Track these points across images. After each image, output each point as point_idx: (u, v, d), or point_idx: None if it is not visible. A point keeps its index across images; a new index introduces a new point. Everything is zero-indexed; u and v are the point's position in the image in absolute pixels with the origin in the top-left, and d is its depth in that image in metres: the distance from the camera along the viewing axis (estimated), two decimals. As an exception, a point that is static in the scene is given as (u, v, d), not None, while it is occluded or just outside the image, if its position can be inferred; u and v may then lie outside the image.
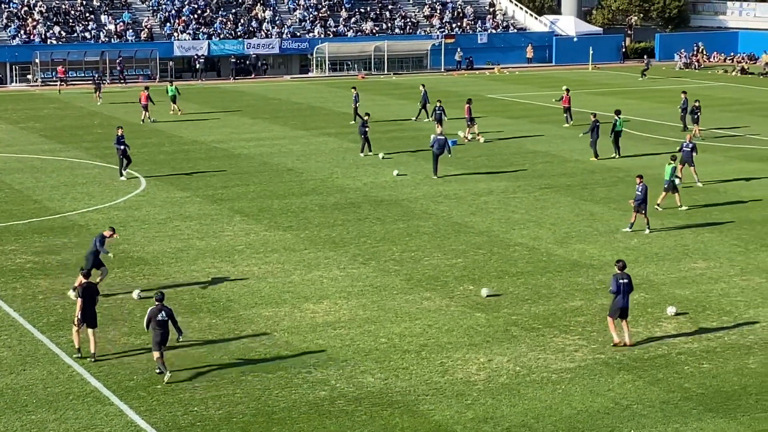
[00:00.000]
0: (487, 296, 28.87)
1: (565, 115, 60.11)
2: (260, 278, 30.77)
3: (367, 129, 50.21)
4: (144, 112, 61.83)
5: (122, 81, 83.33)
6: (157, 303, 23.53)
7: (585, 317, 27.27)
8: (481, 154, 50.48)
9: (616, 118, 50.01)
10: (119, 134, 44.93)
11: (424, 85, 64.04)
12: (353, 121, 59.92)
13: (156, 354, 23.25)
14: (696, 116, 54.85)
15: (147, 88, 64.79)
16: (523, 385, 22.93)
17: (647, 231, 35.85)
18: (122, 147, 44.68)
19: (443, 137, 45.33)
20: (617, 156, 49.86)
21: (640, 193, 35.54)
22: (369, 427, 20.83)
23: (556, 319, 27.16)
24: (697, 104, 55.14)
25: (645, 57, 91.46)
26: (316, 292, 29.44)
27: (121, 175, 45.10)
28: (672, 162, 39.11)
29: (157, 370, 23.30)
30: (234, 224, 37.22)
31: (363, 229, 36.46)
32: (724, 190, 42.83)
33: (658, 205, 38.95)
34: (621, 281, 25.14)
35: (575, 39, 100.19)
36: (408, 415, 21.43)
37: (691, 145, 43.24)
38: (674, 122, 61.40)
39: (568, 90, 61.78)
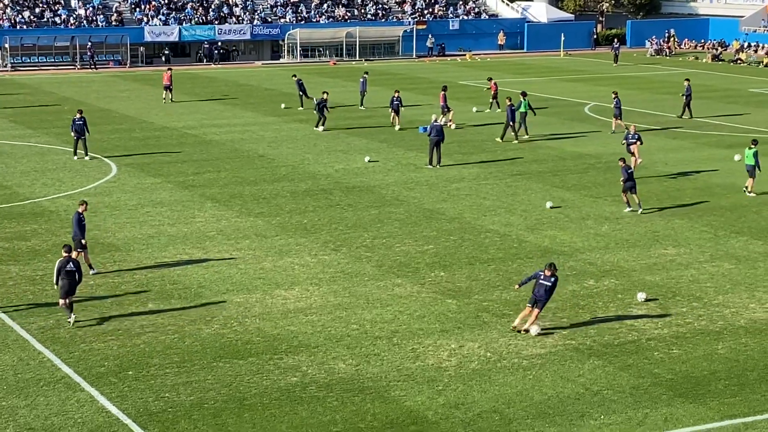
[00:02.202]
0: None
1: (492, 101, 60.12)
2: (231, 264, 30.72)
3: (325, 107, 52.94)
4: (166, 92, 63.65)
5: (93, 66, 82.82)
6: (65, 255, 25.52)
7: (555, 304, 27.35)
8: (453, 141, 50.51)
9: (521, 99, 51.24)
10: (77, 117, 45.73)
11: (367, 73, 64.28)
12: (301, 107, 60.85)
13: (62, 302, 25.37)
14: (618, 110, 52.96)
15: (170, 69, 66.41)
16: (494, 371, 23.01)
17: (637, 210, 36.77)
18: (80, 130, 45.46)
19: (439, 123, 45.10)
20: (527, 135, 51.24)
21: (624, 175, 36.50)
22: (340, 413, 20.87)
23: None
24: (615, 97, 53.46)
25: (615, 42, 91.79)
26: (287, 279, 29.42)
27: (75, 154, 46.03)
28: (753, 146, 39.60)
29: (70, 320, 25.43)
30: (205, 210, 37.12)
31: (334, 216, 36.46)
32: (695, 177, 43.07)
33: (749, 190, 39.96)
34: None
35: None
36: (379, 401, 21.47)
37: (636, 136, 43.16)
38: (643, 109, 61.72)
39: (491, 78, 62.17)
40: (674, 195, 39.89)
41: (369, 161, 45.75)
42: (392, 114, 54.58)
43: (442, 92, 55.22)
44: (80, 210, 29.69)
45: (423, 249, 32.46)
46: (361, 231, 34.47)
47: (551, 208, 37.19)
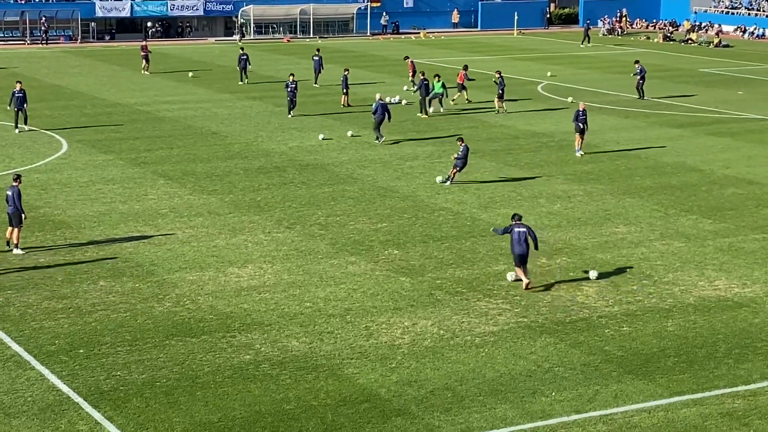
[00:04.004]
0: None
1: (411, 80, 60.27)
2: (184, 242, 30.58)
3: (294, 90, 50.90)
4: (144, 62, 65.78)
5: (44, 42, 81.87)
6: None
7: (508, 282, 27.52)
8: (406, 119, 50.56)
9: (435, 82, 52.11)
10: (17, 89, 45.94)
11: (318, 50, 64.09)
12: (241, 82, 61.80)
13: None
14: (501, 90, 52.75)
15: (146, 39, 70.46)
16: (447, 349, 23.12)
17: (448, 183, 37.70)
18: (20, 102, 45.79)
19: (383, 102, 45.24)
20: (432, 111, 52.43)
21: (460, 155, 37.50)
22: (293, 391, 20.88)
23: (480, 283, 27.39)
24: (499, 76, 53.10)
25: (587, 22, 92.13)
26: (240, 257, 29.34)
27: (17, 127, 46.17)
28: None
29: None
30: (158, 188, 36.89)
31: (288, 193, 36.38)
32: (646, 156, 43.42)
33: None
34: (517, 230, 26.86)
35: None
36: (332, 378, 21.51)
37: (585, 113, 43.20)
38: (594, 88, 62.06)
39: (407, 57, 62.59)
40: (625, 173, 40.19)
41: (323, 139, 45.67)
42: (343, 93, 54.31)
43: (462, 71, 55.29)
44: (17, 185, 29.47)
45: (377, 227, 32.49)
46: (314, 209, 34.43)
47: (352, 135, 36.97)
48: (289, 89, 50.84)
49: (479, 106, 54.45)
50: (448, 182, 37.68)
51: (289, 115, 50.78)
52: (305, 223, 32.79)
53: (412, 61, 61.14)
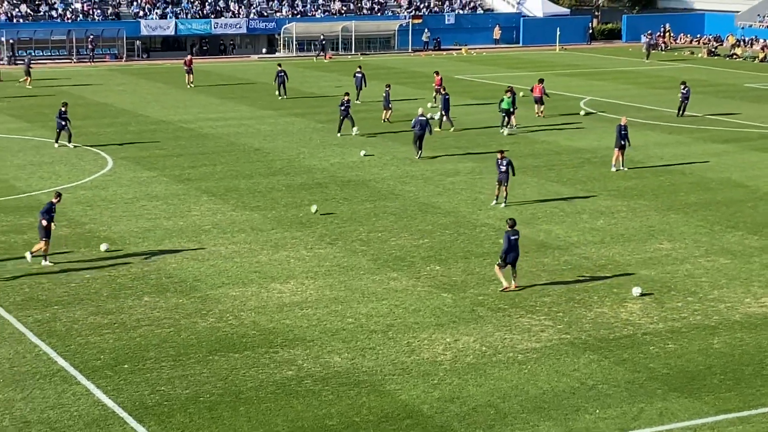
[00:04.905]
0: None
1: (434, 95, 60.16)
2: (227, 258, 30.73)
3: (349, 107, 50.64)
4: (188, 75, 67.92)
5: (91, 60, 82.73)
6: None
7: (551, 297, 27.43)
8: (449, 135, 50.55)
9: (504, 97, 51.90)
10: (62, 109, 47.11)
11: (360, 66, 64.21)
12: (278, 93, 63.12)
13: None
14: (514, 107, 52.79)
15: (191, 53, 73.59)
16: (490, 365, 23.05)
17: (503, 205, 36.83)
18: (63, 122, 46.81)
19: (425, 118, 45.28)
20: (510, 127, 51.89)
21: (503, 168, 36.58)
22: (336, 407, 20.90)
23: (522, 300, 27.30)
24: (510, 93, 52.54)
25: (648, 38, 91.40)
26: (283, 272, 29.44)
27: (57, 142, 47.40)
28: None
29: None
30: (201, 204, 37.13)
31: (330, 209, 36.46)
32: (690, 172, 43.13)
33: None
34: (511, 237, 27.80)
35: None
36: (375, 394, 21.51)
37: (627, 129, 42.98)
38: (638, 104, 61.73)
39: (437, 72, 62.06)
40: (669, 189, 39.94)
41: (364, 155, 45.76)
42: (385, 109, 54.37)
43: (540, 84, 55.40)
44: (54, 201, 30.03)
45: (418, 243, 32.48)
46: (356, 225, 34.49)
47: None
48: (342, 107, 50.49)
49: (523, 123, 54.30)
50: (503, 204, 36.87)
51: (350, 132, 50.20)
52: (347, 239, 32.85)
53: (441, 78, 60.91)
